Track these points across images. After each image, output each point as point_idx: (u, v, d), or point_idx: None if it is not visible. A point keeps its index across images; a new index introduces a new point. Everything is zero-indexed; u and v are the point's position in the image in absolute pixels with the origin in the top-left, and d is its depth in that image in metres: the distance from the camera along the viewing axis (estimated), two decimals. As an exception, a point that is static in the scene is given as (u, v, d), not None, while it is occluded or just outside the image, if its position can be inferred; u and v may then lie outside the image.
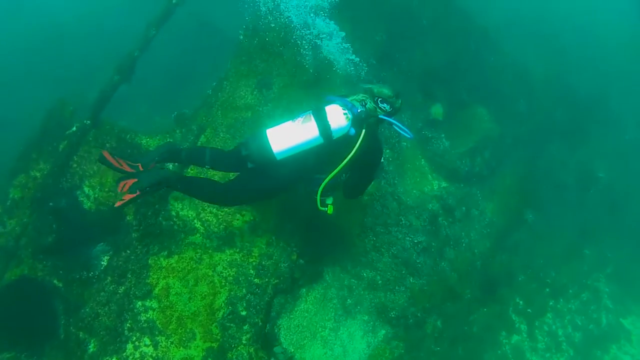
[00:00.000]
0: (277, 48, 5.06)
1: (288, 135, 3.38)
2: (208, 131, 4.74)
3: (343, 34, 4.78)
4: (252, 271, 4.40)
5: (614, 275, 7.38)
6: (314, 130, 3.35)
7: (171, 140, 4.77)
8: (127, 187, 3.51)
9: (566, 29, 9.85)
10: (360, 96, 3.64)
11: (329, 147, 3.41)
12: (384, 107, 3.60)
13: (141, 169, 3.70)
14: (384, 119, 3.53)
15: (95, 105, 4.83)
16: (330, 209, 3.59)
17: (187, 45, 8.09)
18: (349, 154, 3.33)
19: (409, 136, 3.58)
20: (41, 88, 7.88)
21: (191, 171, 4.61)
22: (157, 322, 4.09)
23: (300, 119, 3.43)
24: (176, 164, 4.52)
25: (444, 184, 5.89)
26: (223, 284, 4.32)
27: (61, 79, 8.29)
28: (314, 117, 3.38)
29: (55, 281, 4.54)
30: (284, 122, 3.49)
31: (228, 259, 4.40)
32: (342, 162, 3.34)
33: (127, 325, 4.10)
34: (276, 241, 4.48)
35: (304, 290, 4.73)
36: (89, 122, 4.80)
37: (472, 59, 6.86)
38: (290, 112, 4.76)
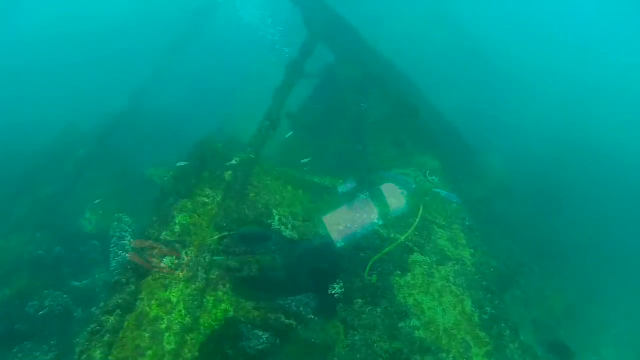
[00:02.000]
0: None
1: (347, 223, 3.31)
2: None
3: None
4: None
5: (617, 339, 7.04)
6: (373, 214, 3.32)
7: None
8: None
9: (598, 84, 9.45)
10: (408, 170, 3.68)
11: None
12: (433, 180, 3.61)
13: None
14: (439, 193, 3.52)
15: (103, 132, 4.93)
16: (374, 279, 3.59)
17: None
18: (405, 232, 3.35)
19: (458, 202, 3.58)
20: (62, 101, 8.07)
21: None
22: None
23: (357, 204, 3.36)
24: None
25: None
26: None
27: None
28: (371, 199, 3.35)
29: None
30: (338, 208, 3.41)
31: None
32: (397, 240, 3.37)
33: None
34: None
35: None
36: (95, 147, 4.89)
37: (491, 105, 6.65)
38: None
